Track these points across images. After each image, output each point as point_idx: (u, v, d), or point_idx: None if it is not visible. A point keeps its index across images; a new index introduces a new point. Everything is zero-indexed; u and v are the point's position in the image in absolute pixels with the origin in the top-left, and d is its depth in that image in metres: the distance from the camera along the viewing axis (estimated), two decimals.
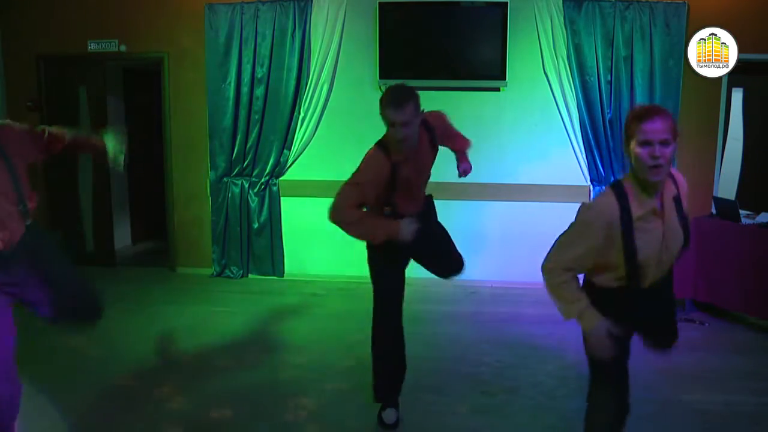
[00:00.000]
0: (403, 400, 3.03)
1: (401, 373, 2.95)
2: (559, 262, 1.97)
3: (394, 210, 2.70)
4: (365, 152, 2.77)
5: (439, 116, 2.91)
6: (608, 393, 2.17)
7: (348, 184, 2.63)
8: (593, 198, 1.97)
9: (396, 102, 2.54)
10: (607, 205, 1.88)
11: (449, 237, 3.08)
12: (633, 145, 1.84)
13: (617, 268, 1.93)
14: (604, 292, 2.00)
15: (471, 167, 3.11)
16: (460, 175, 3.09)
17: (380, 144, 2.69)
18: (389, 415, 2.88)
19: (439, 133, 2.84)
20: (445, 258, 3.06)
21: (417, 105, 2.59)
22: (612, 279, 1.97)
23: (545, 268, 2.01)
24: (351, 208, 2.61)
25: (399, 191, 2.67)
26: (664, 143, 1.81)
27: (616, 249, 1.89)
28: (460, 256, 3.07)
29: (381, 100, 2.60)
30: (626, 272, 1.92)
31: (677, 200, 1.97)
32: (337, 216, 2.61)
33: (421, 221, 2.70)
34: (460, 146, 3.09)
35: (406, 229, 2.60)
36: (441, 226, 3.08)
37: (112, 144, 2.69)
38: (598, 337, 1.94)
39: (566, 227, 2.00)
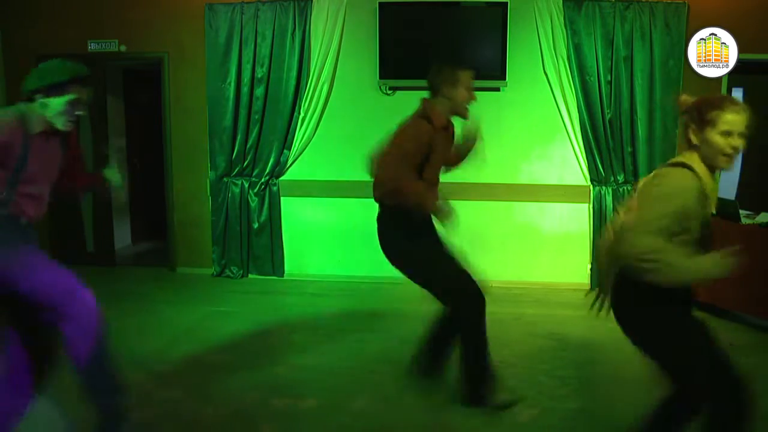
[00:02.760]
0: (403, 400, 3.04)
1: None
2: (656, 234, 1.85)
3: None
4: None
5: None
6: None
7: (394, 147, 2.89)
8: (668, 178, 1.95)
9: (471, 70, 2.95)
10: (690, 178, 1.92)
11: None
12: (712, 132, 1.90)
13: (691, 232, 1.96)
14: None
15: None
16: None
17: (421, 116, 3.02)
18: (502, 398, 2.95)
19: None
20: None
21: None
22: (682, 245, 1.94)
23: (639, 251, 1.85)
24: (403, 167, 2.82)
25: (432, 162, 2.91)
26: (741, 135, 1.90)
27: (694, 217, 1.93)
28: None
29: (456, 68, 3.09)
30: (700, 237, 1.98)
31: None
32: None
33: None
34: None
35: (442, 207, 2.79)
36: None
37: (115, 178, 2.81)
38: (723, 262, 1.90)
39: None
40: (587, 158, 5.04)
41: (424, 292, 2.93)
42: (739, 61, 4.31)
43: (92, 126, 5.78)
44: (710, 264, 1.87)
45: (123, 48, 5.52)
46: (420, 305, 4.75)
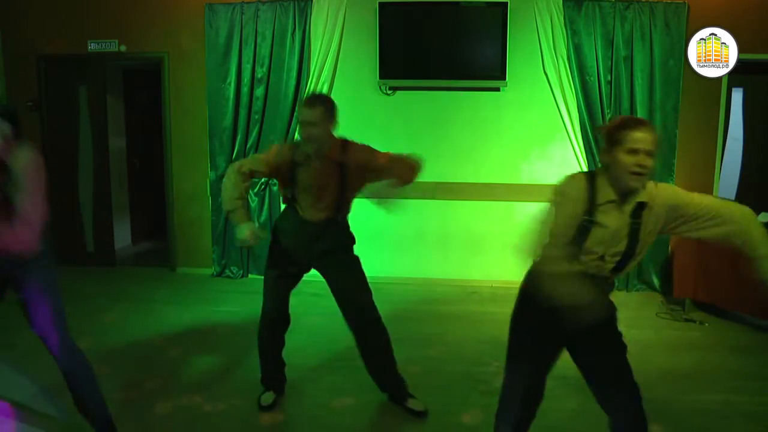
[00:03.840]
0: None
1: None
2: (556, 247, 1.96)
3: (296, 203, 2.88)
4: None
5: (363, 149, 2.86)
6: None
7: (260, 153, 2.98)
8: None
9: (308, 102, 2.75)
10: (580, 179, 2.02)
11: (361, 280, 2.95)
12: (619, 151, 1.91)
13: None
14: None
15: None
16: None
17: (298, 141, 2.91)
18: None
19: (357, 157, 2.80)
20: (348, 296, 2.96)
21: (329, 111, 2.74)
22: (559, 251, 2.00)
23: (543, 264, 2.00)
24: (248, 166, 2.79)
25: (300, 189, 2.82)
26: (649, 153, 1.89)
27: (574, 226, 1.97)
28: (366, 305, 2.93)
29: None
30: (571, 252, 1.97)
31: (638, 208, 1.98)
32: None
33: (313, 239, 2.86)
34: (399, 174, 2.79)
35: (241, 229, 2.69)
36: (352, 264, 2.96)
37: None
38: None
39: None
40: (587, 158, 5.04)
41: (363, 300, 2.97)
42: (739, 61, 4.32)
43: (92, 126, 5.78)
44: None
45: (123, 48, 5.52)
46: (420, 305, 4.77)
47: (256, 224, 5.46)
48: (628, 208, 1.98)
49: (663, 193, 2.01)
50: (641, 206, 1.97)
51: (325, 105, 2.74)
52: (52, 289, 2.42)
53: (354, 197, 2.93)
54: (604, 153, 2.00)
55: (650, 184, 2.00)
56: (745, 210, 2.03)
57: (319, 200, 2.83)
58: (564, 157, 5.13)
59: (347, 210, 2.95)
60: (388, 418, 2.97)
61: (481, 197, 5.20)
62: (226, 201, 2.74)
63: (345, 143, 2.84)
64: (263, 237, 2.87)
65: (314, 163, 2.77)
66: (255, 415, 2.97)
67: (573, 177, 2.06)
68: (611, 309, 2.13)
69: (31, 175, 2.23)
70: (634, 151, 1.89)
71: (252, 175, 2.79)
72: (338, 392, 3.22)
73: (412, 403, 3.00)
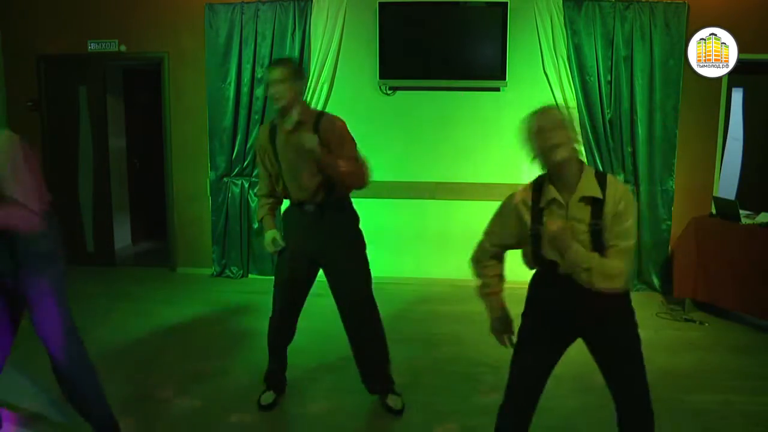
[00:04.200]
0: (402, 400, 3.03)
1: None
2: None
3: (288, 190, 2.84)
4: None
5: (336, 122, 2.77)
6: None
7: None
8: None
9: (273, 63, 2.81)
10: (520, 191, 2.16)
11: (356, 262, 2.90)
12: (534, 140, 2.08)
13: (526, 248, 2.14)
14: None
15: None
16: None
17: None
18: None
19: (329, 137, 2.69)
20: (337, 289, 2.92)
21: (294, 71, 2.72)
22: (529, 261, 2.17)
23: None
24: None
25: (283, 169, 2.77)
26: (555, 130, 2.01)
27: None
28: (362, 290, 2.90)
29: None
30: (531, 253, 2.11)
31: (592, 203, 1.97)
32: None
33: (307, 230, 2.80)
34: (342, 171, 2.66)
35: (265, 236, 2.86)
36: (348, 251, 2.88)
37: None
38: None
39: None
40: (587, 158, 5.04)
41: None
42: (739, 61, 4.31)
43: (92, 126, 5.78)
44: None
45: (123, 48, 5.52)
46: (420, 305, 4.77)
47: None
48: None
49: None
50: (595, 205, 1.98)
51: (289, 64, 2.74)
52: (58, 289, 2.32)
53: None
54: (530, 151, 2.11)
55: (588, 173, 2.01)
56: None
57: (301, 177, 2.72)
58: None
59: (335, 191, 2.77)
60: (388, 418, 2.97)
61: (481, 197, 5.20)
62: (255, 211, 2.87)
63: (321, 114, 2.81)
64: (282, 245, 2.86)
65: (286, 129, 2.71)
66: (255, 414, 2.97)
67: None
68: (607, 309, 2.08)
69: (8, 156, 2.07)
70: (541, 132, 2.02)
71: (266, 182, 2.89)
72: (338, 392, 3.22)
73: (390, 399, 3.00)
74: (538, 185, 2.11)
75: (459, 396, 3.19)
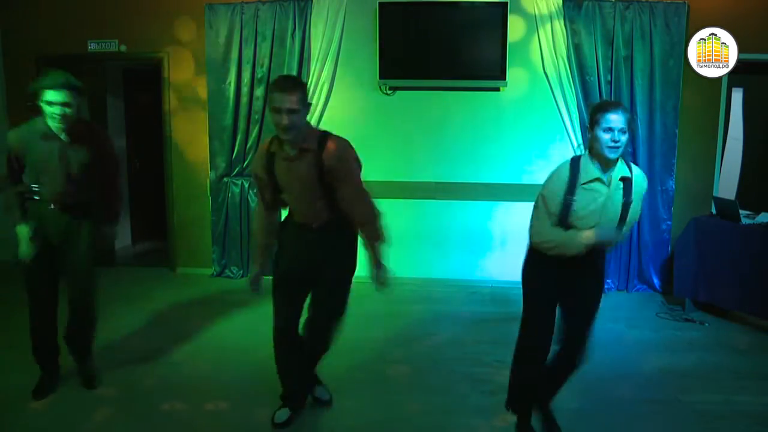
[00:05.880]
0: (402, 400, 3.03)
1: None
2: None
3: (288, 206, 2.77)
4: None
5: (341, 152, 2.57)
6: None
7: None
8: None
9: (284, 85, 2.46)
10: (561, 169, 2.54)
11: (341, 283, 2.78)
12: (597, 129, 2.38)
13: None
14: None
15: (382, 270, 2.73)
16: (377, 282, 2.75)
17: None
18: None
19: (334, 168, 2.55)
20: (318, 303, 2.78)
21: (305, 95, 2.53)
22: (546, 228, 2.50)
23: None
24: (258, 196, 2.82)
25: (283, 189, 2.67)
26: (621, 131, 2.33)
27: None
28: (337, 308, 2.80)
29: (269, 87, 2.54)
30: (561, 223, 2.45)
31: (627, 183, 2.44)
32: None
33: (306, 246, 2.68)
34: (362, 225, 2.67)
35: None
36: (338, 271, 2.75)
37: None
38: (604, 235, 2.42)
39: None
40: None
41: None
42: (739, 61, 4.31)
43: None
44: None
45: (123, 48, 5.52)
46: (420, 305, 4.77)
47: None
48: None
49: None
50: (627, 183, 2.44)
51: (302, 88, 2.51)
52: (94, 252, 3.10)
53: (340, 197, 2.66)
54: (589, 132, 2.44)
55: None
56: None
57: (303, 199, 2.62)
58: (564, 157, 5.09)
59: (338, 212, 2.67)
60: (387, 418, 2.97)
61: (481, 197, 5.20)
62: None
63: (324, 138, 2.57)
64: (259, 293, 2.83)
65: (289, 156, 2.54)
66: (255, 414, 2.97)
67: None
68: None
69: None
70: (609, 130, 2.33)
71: (265, 197, 2.73)
72: (338, 392, 3.22)
73: (317, 391, 3.03)
74: (574, 163, 2.48)
75: (459, 396, 3.19)
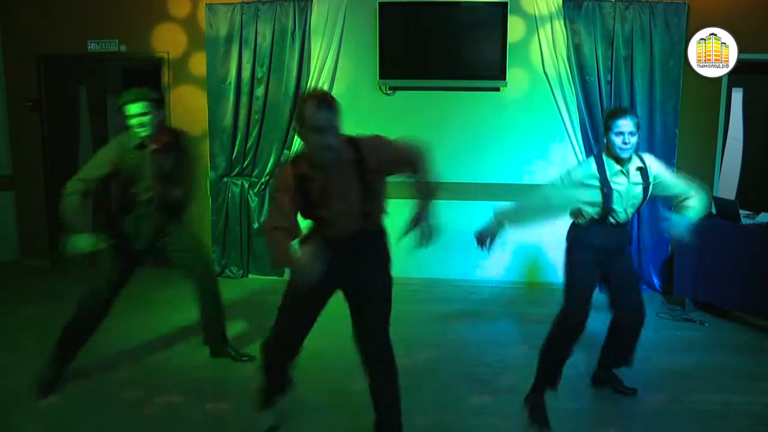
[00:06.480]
0: (402, 400, 3.03)
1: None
2: None
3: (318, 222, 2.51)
4: None
5: (377, 144, 2.53)
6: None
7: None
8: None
9: (325, 103, 2.28)
10: (587, 163, 2.96)
11: (387, 299, 2.68)
12: (610, 134, 2.83)
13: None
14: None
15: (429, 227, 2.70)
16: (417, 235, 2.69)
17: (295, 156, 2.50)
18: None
19: (375, 154, 2.47)
20: (367, 315, 2.66)
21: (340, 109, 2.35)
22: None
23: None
24: (274, 217, 2.45)
25: (317, 205, 2.44)
26: (631, 134, 2.78)
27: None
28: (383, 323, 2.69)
29: (305, 104, 2.28)
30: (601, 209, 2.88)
31: (642, 171, 2.87)
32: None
33: (341, 259, 2.47)
34: (414, 168, 2.65)
35: (303, 265, 2.31)
36: (383, 280, 2.65)
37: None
38: None
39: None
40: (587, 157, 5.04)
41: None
42: (739, 61, 4.31)
43: (92, 126, 5.78)
44: None
45: (123, 48, 5.52)
46: (420, 305, 4.77)
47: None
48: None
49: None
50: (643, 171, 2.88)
51: (338, 104, 2.34)
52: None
53: (381, 199, 2.62)
54: (603, 136, 2.92)
55: None
56: None
57: (346, 211, 2.47)
58: (564, 157, 5.13)
59: (378, 217, 2.62)
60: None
61: (480, 197, 5.20)
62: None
63: (351, 140, 2.46)
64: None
65: (327, 171, 2.38)
66: (255, 414, 2.97)
67: None
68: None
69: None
70: (620, 133, 2.78)
71: (291, 223, 2.43)
72: (337, 392, 3.22)
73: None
74: (599, 158, 2.90)
75: (459, 396, 3.19)
